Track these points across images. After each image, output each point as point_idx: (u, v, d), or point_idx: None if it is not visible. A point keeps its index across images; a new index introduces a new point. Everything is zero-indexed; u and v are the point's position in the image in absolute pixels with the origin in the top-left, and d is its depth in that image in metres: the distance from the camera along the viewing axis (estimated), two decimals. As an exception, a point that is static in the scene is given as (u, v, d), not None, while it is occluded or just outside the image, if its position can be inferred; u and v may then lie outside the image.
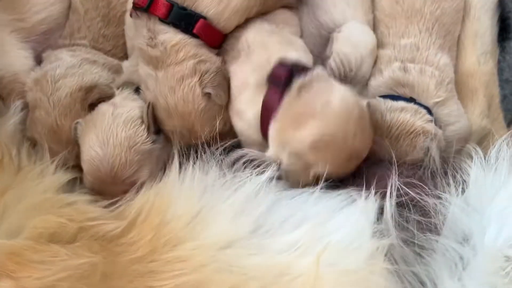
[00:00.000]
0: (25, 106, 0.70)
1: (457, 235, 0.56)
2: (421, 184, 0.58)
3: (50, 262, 0.53)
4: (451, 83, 0.68)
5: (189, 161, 0.61)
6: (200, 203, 0.57)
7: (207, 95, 0.61)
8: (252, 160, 0.62)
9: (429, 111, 0.64)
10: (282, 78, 0.58)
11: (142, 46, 0.62)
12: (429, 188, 0.58)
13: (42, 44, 0.74)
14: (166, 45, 0.60)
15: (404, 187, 0.57)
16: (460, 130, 0.67)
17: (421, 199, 0.57)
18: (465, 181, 0.59)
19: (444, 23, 0.70)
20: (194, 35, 0.61)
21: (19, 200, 0.59)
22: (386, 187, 0.57)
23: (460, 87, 0.72)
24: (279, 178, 0.60)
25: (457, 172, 0.60)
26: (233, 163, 0.62)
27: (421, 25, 0.68)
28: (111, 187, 0.62)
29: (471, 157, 0.61)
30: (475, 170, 0.60)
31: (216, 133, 0.62)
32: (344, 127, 0.56)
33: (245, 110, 0.61)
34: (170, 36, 0.61)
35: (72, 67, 0.70)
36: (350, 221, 0.56)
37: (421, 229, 0.56)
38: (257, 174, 0.60)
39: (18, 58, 0.71)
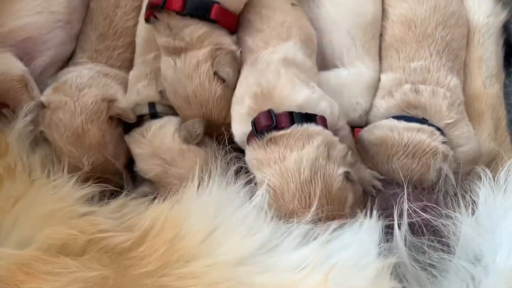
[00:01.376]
0: (36, 118, 0.70)
1: (469, 255, 0.56)
2: (433, 204, 0.58)
3: (59, 274, 0.53)
4: (462, 104, 0.70)
5: (204, 176, 0.61)
6: (215, 219, 0.57)
7: (222, 82, 0.63)
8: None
9: (441, 132, 0.65)
10: (261, 126, 0.61)
11: (166, 44, 0.64)
12: (441, 208, 0.58)
13: (22, 53, 0.72)
14: (192, 36, 0.63)
15: (415, 207, 0.57)
16: (470, 151, 0.68)
17: (433, 219, 0.57)
18: (474, 202, 0.60)
19: (453, 48, 0.72)
20: (212, 21, 0.63)
21: (31, 210, 0.59)
22: (397, 207, 0.57)
23: (467, 110, 0.73)
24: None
25: (466, 193, 0.60)
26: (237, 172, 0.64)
27: (432, 49, 0.70)
28: None
29: (480, 179, 0.62)
30: (485, 191, 0.60)
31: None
32: (287, 186, 0.58)
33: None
34: (194, 28, 0.63)
35: (92, 78, 0.71)
36: (356, 240, 0.56)
37: (433, 249, 0.56)
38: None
39: (1, 58, 0.70)
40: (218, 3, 0.63)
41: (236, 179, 0.62)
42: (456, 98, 0.69)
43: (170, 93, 0.66)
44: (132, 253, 0.57)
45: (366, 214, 0.57)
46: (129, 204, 0.65)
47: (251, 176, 0.61)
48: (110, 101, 0.70)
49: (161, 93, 0.69)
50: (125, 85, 0.74)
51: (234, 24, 0.65)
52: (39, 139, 0.70)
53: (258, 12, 0.67)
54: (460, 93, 0.70)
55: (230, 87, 0.64)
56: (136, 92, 0.71)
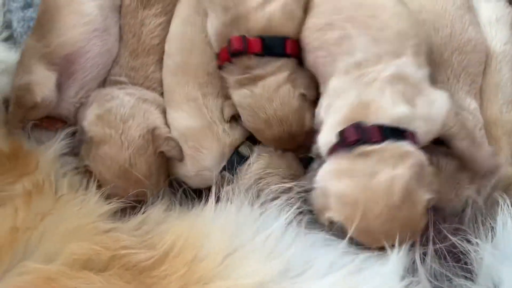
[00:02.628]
0: (67, 136, 0.73)
1: (488, 282, 0.56)
2: (457, 231, 0.59)
3: (84, 289, 0.54)
4: (482, 128, 0.70)
5: (223, 197, 0.62)
6: (234, 241, 0.58)
7: (300, 95, 0.68)
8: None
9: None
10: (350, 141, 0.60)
11: (239, 79, 0.68)
12: (464, 235, 0.59)
13: (63, 70, 0.74)
14: (270, 69, 0.67)
15: (445, 230, 0.58)
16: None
17: (459, 243, 0.58)
18: (493, 227, 0.60)
19: (470, 73, 0.73)
20: (287, 55, 0.68)
21: (57, 226, 0.61)
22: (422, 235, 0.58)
23: (484, 135, 0.74)
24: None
25: (486, 219, 0.61)
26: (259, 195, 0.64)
27: (449, 72, 0.71)
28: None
29: (498, 204, 0.62)
30: (503, 217, 0.61)
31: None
32: (373, 206, 0.56)
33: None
34: (273, 65, 0.68)
35: (134, 107, 0.73)
36: (382, 273, 0.56)
37: (456, 275, 0.56)
38: (287, 211, 0.61)
39: (39, 76, 0.71)
40: (289, 37, 0.68)
41: (258, 200, 0.63)
42: (477, 121, 0.69)
43: (249, 119, 0.69)
44: (154, 271, 0.58)
45: (393, 245, 0.56)
46: (148, 221, 0.66)
47: (275, 199, 0.62)
48: (153, 130, 0.72)
49: None
50: (161, 109, 0.75)
51: (299, 52, 0.70)
52: (67, 160, 0.72)
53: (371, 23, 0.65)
54: (480, 116, 0.71)
55: (308, 100, 0.69)
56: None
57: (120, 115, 0.71)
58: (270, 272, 0.55)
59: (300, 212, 0.62)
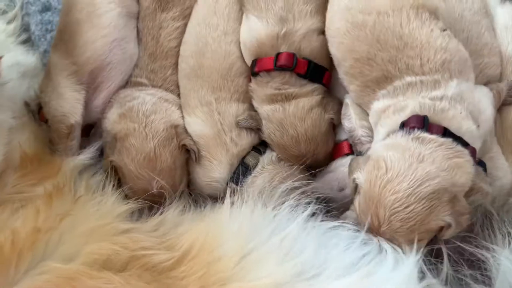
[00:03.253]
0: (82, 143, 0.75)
1: (505, 287, 0.56)
2: (473, 237, 0.59)
3: (105, 289, 0.55)
4: (494, 135, 0.70)
5: (238, 199, 0.63)
6: (250, 243, 0.59)
7: (330, 120, 0.73)
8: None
9: (485, 168, 0.65)
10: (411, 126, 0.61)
11: (273, 94, 0.71)
12: (480, 241, 0.59)
13: (90, 84, 0.76)
14: (305, 90, 0.71)
15: (456, 241, 0.58)
16: (507, 185, 0.67)
17: (475, 250, 0.58)
18: (509, 233, 0.60)
19: (486, 75, 0.73)
20: (322, 83, 0.73)
21: (76, 227, 0.61)
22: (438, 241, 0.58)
23: (500, 140, 0.73)
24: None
25: (502, 225, 0.61)
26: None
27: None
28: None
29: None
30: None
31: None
32: (399, 185, 0.57)
33: None
34: (308, 87, 0.72)
35: (155, 104, 0.74)
36: (397, 275, 0.56)
37: (475, 280, 0.56)
38: (302, 213, 0.62)
39: (69, 99, 0.74)
40: (327, 70, 0.73)
41: (272, 202, 0.63)
42: (490, 126, 0.69)
43: (276, 133, 0.71)
44: (173, 272, 0.59)
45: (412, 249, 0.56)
46: (165, 222, 0.67)
47: (288, 200, 0.63)
48: (176, 126, 0.73)
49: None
50: (181, 110, 0.77)
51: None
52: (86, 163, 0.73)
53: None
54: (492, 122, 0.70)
55: (335, 124, 0.74)
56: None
57: (143, 111, 0.73)
58: (285, 274, 0.56)
59: (315, 214, 0.62)
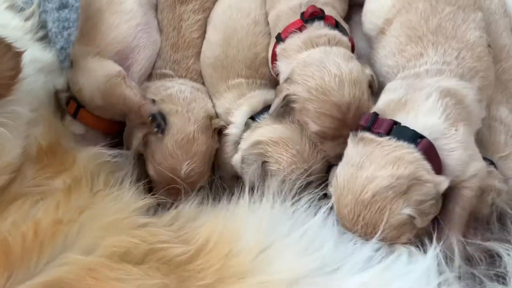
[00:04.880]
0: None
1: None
2: (487, 234, 0.60)
3: (125, 280, 0.56)
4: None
5: (258, 193, 0.63)
6: (269, 237, 0.59)
7: (369, 76, 0.67)
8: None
9: (495, 166, 0.65)
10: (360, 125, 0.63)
11: (315, 34, 0.68)
12: (496, 238, 0.59)
13: (121, 64, 0.77)
14: (342, 38, 0.69)
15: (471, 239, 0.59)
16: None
17: (491, 247, 0.58)
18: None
19: (503, 80, 0.73)
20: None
21: (95, 220, 0.62)
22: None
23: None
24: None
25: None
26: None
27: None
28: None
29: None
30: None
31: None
32: (346, 193, 0.59)
33: None
34: (344, 37, 0.70)
35: (192, 93, 0.76)
36: (418, 269, 0.56)
37: (489, 279, 0.57)
38: (322, 207, 0.62)
39: (102, 66, 0.75)
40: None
41: (293, 197, 0.64)
42: (508, 130, 0.70)
43: (316, 74, 0.64)
44: (190, 265, 0.59)
45: (430, 243, 0.57)
46: (181, 216, 0.68)
47: (310, 195, 0.63)
48: (211, 117, 0.75)
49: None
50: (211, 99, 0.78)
51: None
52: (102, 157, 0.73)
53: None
54: (511, 124, 0.71)
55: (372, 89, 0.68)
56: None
57: (183, 98, 0.74)
58: (305, 268, 0.56)
59: (333, 208, 0.62)
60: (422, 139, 0.59)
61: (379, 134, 0.59)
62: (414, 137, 0.59)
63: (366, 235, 0.58)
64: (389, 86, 0.66)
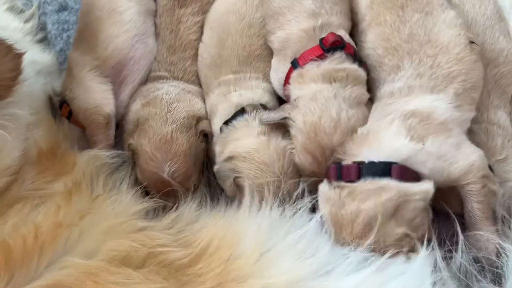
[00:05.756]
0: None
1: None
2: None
3: (125, 284, 0.56)
4: (511, 139, 0.71)
5: (257, 197, 0.64)
6: (268, 241, 0.60)
7: None
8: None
9: (491, 169, 0.66)
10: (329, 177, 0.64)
11: (334, 68, 0.68)
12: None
13: (115, 79, 0.78)
14: (359, 74, 0.70)
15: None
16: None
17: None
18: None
19: (501, 85, 0.74)
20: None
21: (95, 224, 0.63)
22: (451, 238, 0.60)
23: None
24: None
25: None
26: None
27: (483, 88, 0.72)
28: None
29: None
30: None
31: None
32: (340, 232, 0.60)
33: None
34: (361, 72, 0.70)
35: (179, 94, 0.76)
36: (411, 269, 0.57)
37: (485, 278, 0.58)
38: (318, 210, 0.63)
39: (98, 91, 0.76)
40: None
41: (291, 202, 0.64)
42: (506, 133, 0.70)
43: (316, 112, 0.66)
44: (190, 269, 0.60)
45: (422, 244, 0.58)
46: (180, 220, 0.68)
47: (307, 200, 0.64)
48: (198, 117, 0.75)
49: None
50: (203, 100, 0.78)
51: None
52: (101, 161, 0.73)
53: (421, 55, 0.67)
54: (509, 128, 0.71)
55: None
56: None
57: (166, 99, 0.74)
58: (302, 271, 0.57)
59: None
60: (393, 165, 0.61)
61: (350, 181, 0.61)
62: (385, 169, 0.60)
63: (374, 252, 0.59)
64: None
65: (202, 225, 0.65)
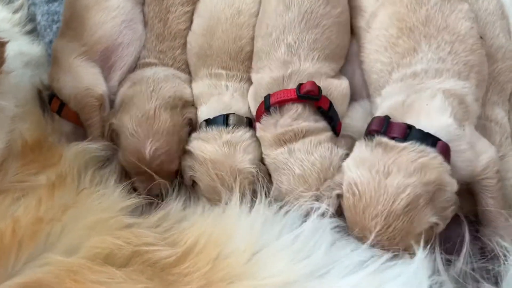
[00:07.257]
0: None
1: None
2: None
3: (106, 283, 0.54)
4: (509, 137, 0.69)
5: (251, 195, 0.62)
6: (260, 240, 0.57)
7: (342, 155, 0.65)
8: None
9: None
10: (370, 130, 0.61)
11: (283, 131, 0.66)
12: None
13: (104, 64, 0.77)
14: (317, 126, 0.67)
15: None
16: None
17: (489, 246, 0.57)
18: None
19: (500, 82, 0.72)
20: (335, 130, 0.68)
21: (79, 219, 0.60)
22: (450, 239, 0.58)
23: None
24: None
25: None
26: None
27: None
28: None
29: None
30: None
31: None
32: (375, 203, 0.56)
33: None
34: (321, 123, 0.67)
35: (167, 77, 0.74)
36: (408, 272, 0.55)
37: (482, 278, 0.56)
38: (314, 211, 0.60)
39: (87, 74, 0.74)
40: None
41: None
42: (503, 131, 0.68)
43: (283, 179, 0.64)
44: (175, 269, 0.57)
45: (419, 246, 0.55)
46: (168, 217, 0.66)
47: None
48: (186, 101, 0.72)
49: None
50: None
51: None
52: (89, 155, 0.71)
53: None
54: (507, 125, 0.70)
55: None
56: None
57: (154, 79, 0.72)
58: (297, 273, 0.54)
59: (325, 212, 0.61)
60: (438, 142, 0.58)
61: (394, 139, 0.58)
62: (434, 141, 0.57)
63: (390, 246, 0.56)
64: (387, 92, 0.64)
65: (191, 223, 0.63)
